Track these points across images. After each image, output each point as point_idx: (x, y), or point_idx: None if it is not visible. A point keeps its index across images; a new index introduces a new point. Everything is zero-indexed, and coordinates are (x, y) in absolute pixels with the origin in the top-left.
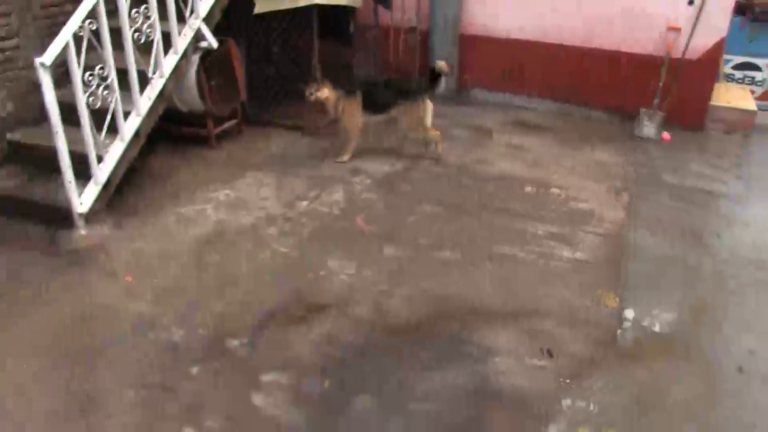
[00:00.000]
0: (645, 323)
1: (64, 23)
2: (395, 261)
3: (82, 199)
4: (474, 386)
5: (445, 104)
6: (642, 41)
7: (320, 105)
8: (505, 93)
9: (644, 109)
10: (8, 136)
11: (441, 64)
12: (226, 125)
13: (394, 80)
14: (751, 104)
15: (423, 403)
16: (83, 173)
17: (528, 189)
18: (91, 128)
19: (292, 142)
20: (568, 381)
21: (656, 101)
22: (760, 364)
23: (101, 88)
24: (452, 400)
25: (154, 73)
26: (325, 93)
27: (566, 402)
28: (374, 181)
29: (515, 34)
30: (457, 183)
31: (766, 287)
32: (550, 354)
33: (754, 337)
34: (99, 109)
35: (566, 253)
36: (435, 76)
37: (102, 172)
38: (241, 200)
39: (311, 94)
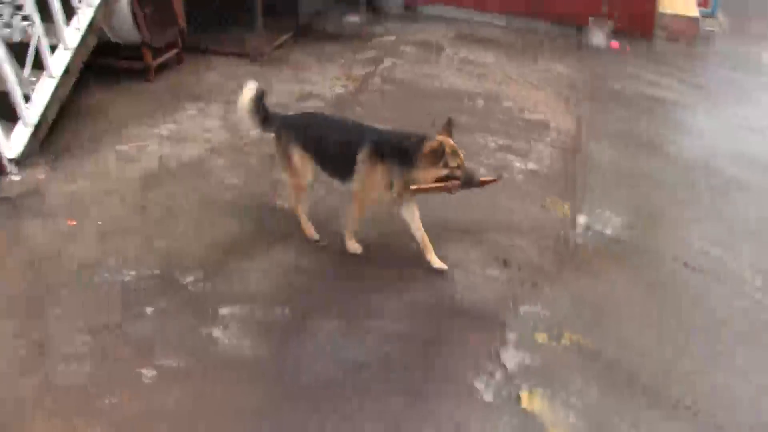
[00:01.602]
0: (597, 228)
1: None
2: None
3: (11, 143)
4: (435, 300)
5: (392, 21)
6: None
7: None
8: (454, 6)
9: (593, 18)
10: None
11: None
12: (165, 56)
13: None
14: (694, 11)
15: (387, 322)
16: (9, 115)
17: (480, 103)
18: (12, 64)
19: (236, 70)
20: (523, 289)
21: (605, 8)
22: (711, 264)
23: (18, 18)
24: (415, 316)
25: (80, 1)
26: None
27: (523, 308)
28: (326, 105)
29: None
30: (408, 101)
31: (717, 192)
32: (505, 264)
33: (706, 239)
34: (20, 43)
35: (520, 164)
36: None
37: (31, 113)
38: (184, 133)
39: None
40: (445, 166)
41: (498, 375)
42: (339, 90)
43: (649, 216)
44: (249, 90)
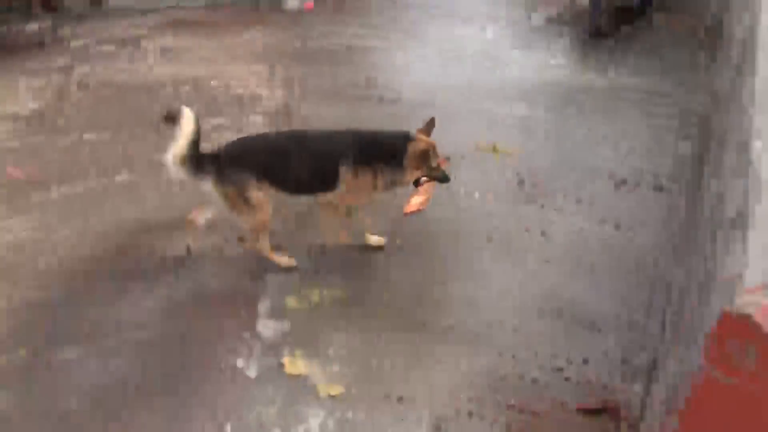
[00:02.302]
0: None
1: None
2: (60, 204)
3: None
4: (183, 295)
5: (79, 21)
6: None
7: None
8: None
9: None
10: None
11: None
12: None
13: None
14: None
15: (140, 330)
16: None
17: (188, 88)
18: None
19: None
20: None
21: None
22: (435, 190)
23: None
24: (168, 316)
25: None
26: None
27: (270, 277)
28: (24, 123)
29: None
30: (114, 102)
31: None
32: (242, 240)
33: None
34: None
35: None
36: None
37: None
38: None
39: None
40: (428, 166)
41: (257, 349)
42: (34, 105)
43: None
44: (187, 123)
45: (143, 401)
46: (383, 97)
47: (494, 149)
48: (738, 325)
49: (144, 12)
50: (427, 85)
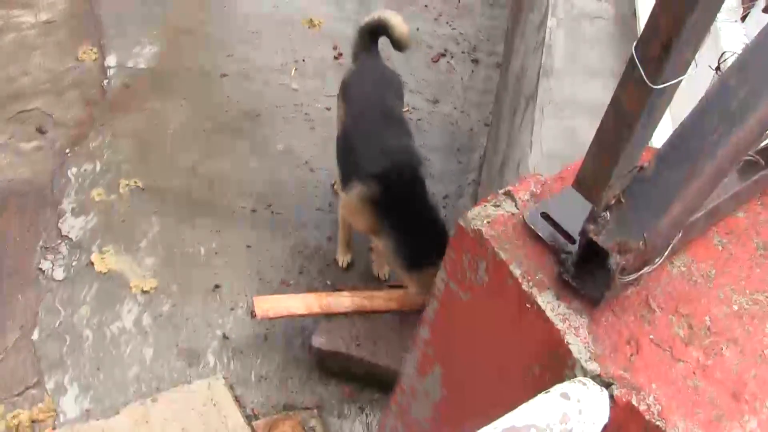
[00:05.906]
0: (129, 64)
1: None
2: None
3: None
4: None
5: None
6: None
7: None
8: None
9: None
10: None
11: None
12: None
13: None
14: None
15: None
16: None
17: None
18: None
19: None
20: (68, 151)
21: None
22: (241, 65)
23: None
24: None
25: None
26: None
27: (72, 171)
28: None
29: None
30: None
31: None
32: (41, 131)
33: (232, 44)
34: None
35: (29, 18)
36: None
37: None
38: None
39: None
40: None
41: (64, 249)
42: None
43: (181, 38)
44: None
45: None
46: None
47: (310, 22)
48: (470, 239)
49: None
50: None
